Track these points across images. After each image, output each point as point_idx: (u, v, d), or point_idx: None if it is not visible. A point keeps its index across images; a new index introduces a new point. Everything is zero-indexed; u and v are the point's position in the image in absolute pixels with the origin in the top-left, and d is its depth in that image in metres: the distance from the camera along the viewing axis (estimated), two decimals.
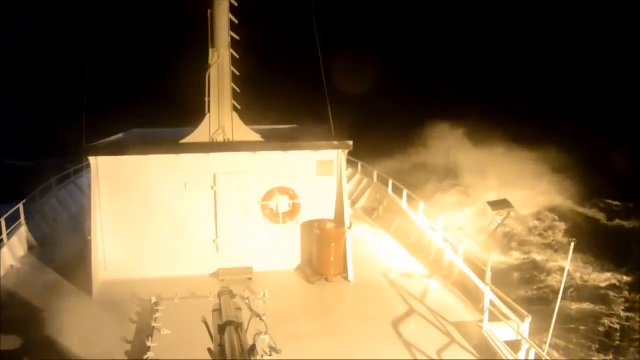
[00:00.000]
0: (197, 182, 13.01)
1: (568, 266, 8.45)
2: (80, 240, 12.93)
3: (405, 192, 16.70)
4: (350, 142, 13.53)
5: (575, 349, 16.00)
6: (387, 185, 18.18)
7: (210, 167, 13.01)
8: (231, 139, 13.43)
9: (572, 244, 8.36)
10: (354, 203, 19.21)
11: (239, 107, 13.51)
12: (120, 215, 12.79)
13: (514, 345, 9.44)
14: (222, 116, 13.32)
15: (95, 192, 12.52)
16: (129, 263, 12.79)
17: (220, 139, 13.39)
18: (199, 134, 13.28)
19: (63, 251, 13.98)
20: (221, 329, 5.25)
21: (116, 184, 12.70)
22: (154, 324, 10.18)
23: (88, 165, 12.76)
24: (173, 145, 12.97)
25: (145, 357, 9.03)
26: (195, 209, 13.07)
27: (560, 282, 8.73)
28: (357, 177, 20.59)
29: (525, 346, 8.85)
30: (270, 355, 9.22)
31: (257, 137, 13.57)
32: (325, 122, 14.20)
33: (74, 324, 10.47)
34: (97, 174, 12.57)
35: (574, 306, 17.90)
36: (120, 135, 16.01)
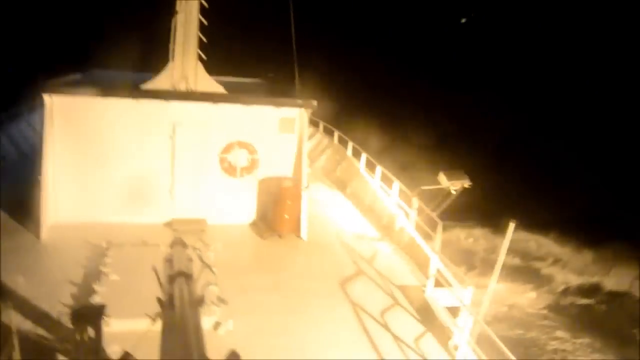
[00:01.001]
0: (156, 130, 12.79)
1: (506, 245, 8.78)
2: (30, 181, 12.61)
3: (363, 155, 16.87)
4: (314, 102, 13.50)
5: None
6: (346, 147, 18.31)
7: (170, 116, 12.79)
8: (194, 89, 13.21)
9: (512, 225, 8.68)
10: (312, 162, 19.29)
11: (204, 57, 13.24)
12: (73, 157, 12.48)
13: (455, 312, 9.85)
14: (185, 65, 13.03)
15: (49, 131, 12.15)
16: (81, 207, 12.58)
17: (182, 88, 13.14)
18: (161, 81, 12.99)
19: (12, 190, 13.64)
20: (171, 279, 5.27)
21: (70, 125, 12.34)
22: (102, 269, 10.13)
23: (42, 103, 12.35)
24: (133, 90, 12.66)
25: (91, 300, 9.00)
26: (152, 156, 12.88)
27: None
28: (318, 136, 20.66)
29: (464, 312, 9.24)
30: (218, 306, 9.41)
31: (220, 89, 13.38)
32: (292, 79, 14.13)
33: (20, 265, 10.32)
34: (50, 113, 12.17)
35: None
36: (77, 75, 15.51)
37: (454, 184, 12.44)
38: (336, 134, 19.51)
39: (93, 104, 12.33)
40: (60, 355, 7.65)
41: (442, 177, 12.56)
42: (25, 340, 7.43)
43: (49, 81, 12.96)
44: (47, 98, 12.10)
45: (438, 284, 10.78)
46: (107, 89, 12.54)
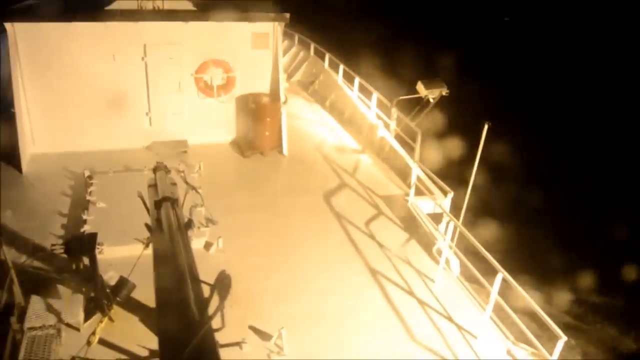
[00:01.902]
0: (126, 53, 12.42)
1: (481, 147, 8.96)
2: (2, 113, 12.34)
3: (341, 66, 16.65)
4: (287, 15, 13.14)
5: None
6: (324, 59, 18.02)
7: (140, 37, 12.39)
8: (161, 7, 12.72)
9: (487, 126, 8.82)
10: (289, 77, 19.05)
11: None
12: (45, 86, 12.16)
13: (437, 218, 10.19)
14: None
15: (15, 62, 11.73)
16: (59, 136, 12.43)
17: (149, 6, 12.65)
18: (127, 0, 12.47)
19: None
20: (157, 205, 5.36)
21: (38, 53, 11.92)
22: (88, 197, 10.19)
23: (4, 31, 11.84)
24: (99, 12, 12.16)
25: (82, 230, 9.14)
26: (125, 80, 12.60)
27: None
28: (294, 49, 20.23)
29: (445, 219, 9.57)
30: (207, 227, 9.61)
31: (189, 6, 12.92)
32: None
33: (5, 199, 10.31)
34: (14, 42, 11.70)
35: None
36: None
37: (432, 93, 12.44)
38: (312, 46, 19.11)
39: (58, 29, 11.84)
40: (59, 284, 7.86)
41: (420, 86, 12.53)
42: (23, 273, 7.59)
43: (9, 7, 12.36)
44: (9, 27, 11.59)
45: (419, 192, 11.06)
46: (72, 13, 12.01)
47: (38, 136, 12.39)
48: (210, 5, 13.48)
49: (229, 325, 7.34)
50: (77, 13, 11.97)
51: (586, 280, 14.81)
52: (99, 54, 12.23)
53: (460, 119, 18.32)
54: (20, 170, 11.56)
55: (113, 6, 12.38)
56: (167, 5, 12.75)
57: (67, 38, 11.94)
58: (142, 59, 12.56)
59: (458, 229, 8.96)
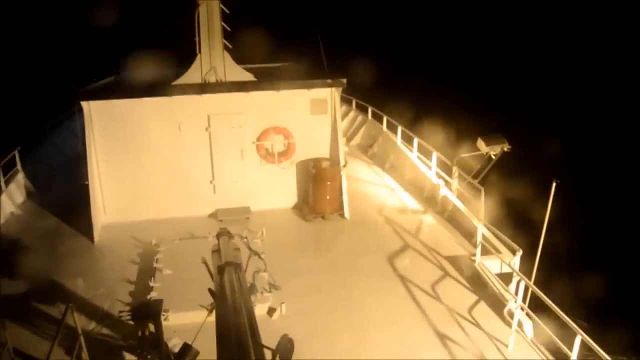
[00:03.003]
0: (191, 124, 12.98)
1: (550, 204, 8.63)
2: (77, 185, 13.03)
3: (399, 128, 16.71)
4: (344, 80, 13.43)
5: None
6: (381, 122, 18.17)
7: (204, 108, 12.95)
8: (223, 79, 13.30)
9: (554, 184, 8.51)
10: (348, 140, 19.25)
11: (229, 46, 13.31)
12: (116, 159, 12.83)
13: (506, 278, 9.75)
14: (213, 56, 13.13)
15: (90, 136, 12.49)
16: (128, 206, 12.94)
17: (212, 79, 13.25)
18: (191, 75, 13.13)
19: (61, 196, 14.12)
20: (220, 270, 5.40)
21: (110, 128, 12.66)
22: (155, 265, 10.44)
23: (80, 109, 12.66)
24: (165, 88, 12.85)
25: (148, 297, 9.30)
26: (190, 150, 13.11)
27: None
28: (352, 114, 20.53)
29: (515, 279, 9.12)
30: (270, 291, 9.58)
31: (249, 77, 13.44)
32: (317, 59, 14.05)
33: (77, 268, 10.73)
34: (90, 119, 12.50)
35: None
36: (111, 78, 15.81)
37: (493, 149, 12.21)
38: (370, 109, 19.35)
39: (129, 105, 12.58)
40: (125, 352, 7.95)
41: (480, 143, 12.33)
42: (91, 340, 7.74)
43: (85, 88, 13.27)
44: (84, 105, 12.43)
45: (486, 251, 10.67)
46: (141, 89, 12.78)
47: (109, 206, 12.94)
48: (268, 73, 14.01)
49: None
50: (146, 90, 12.71)
51: None
52: (165, 126, 12.84)
53: (523, 173, 17.90)
54: (92, 239, 12.04)
55: (179, 81, 13.04)
56: (229, 77, 13.30)
57: (136, 113, 12.64)
58: (206, 129, 13.05)
59: (530, 289, 8.52)
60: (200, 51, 13.07)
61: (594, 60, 49.00)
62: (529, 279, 8.76)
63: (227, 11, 13.06)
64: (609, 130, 32.08)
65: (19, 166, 14.58)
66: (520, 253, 9.52)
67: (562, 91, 39.87)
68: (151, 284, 9.73)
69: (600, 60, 49.04)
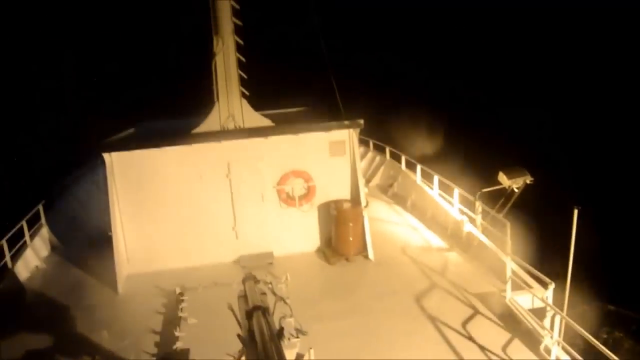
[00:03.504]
0: (212, 171, 13.07)
1: (574, 232, 8.42)
2: (100, 237, 13.10)
3: (418, 166, 16.65)
4: (361, 121, 13.49)
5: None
6: (400, 161, 18.14)
7: (224, 156, 13.06)
8: (242, 126, 13.45)
9: (576, 211, 8.33)
10: (368, 181, 19.20)
11: (247, 93, 13.51)
12: (138, 209, 12.92)
13: (539, 313, 9.45)
14: (231, 103, 13.33)
15: (112, 188, 12.63)
16: (151, 256, 12.95)
17: (231, 126, 13.42)
18: (210, 123, 13.31)
19: (85, 249, 14.18)
20: (249, 314, 5.30)
21: (132, 179, 12.80)
22: (180, 314, 10.33)
23: (102, 162, 12.85)
24: (185, 136, 13.02)
25: (174, 347, 9.17)
26: (211, 198, 13.15)
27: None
28: (370, 154, 20.55)
29: (550, 313, 8.84)
30: (297, 337, 9.37)
31: (267, 122, 13.58)
32: (333, 102, 14.17)
33: (102, 319, 10.66)
34: (112, 170, 12.67)
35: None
36: (131, 130, 16.08)
37: (515, 182, 12.08)
38: (388, 149, 19.38)
39: (150, 155, 12.75)
40: None
41: (502, 177, 12.22)
42: None
43: (106, 140, 13.50)
44: (106, 157, 12.62)
45: (516, 286, 10.38)
46: (161, 139, 12.96)
47: (132, 256, 12.95)
48: (285, 118, 14.14)
49: None
50: (166, 139, 12.88)
51: None
52: (186, 174, 12.94)
53: (545, 203, 17.65)
54: (116, 290, 11.99)
55: (198, 129, 13.20)
56: (247, 124, 13.44)
57: (157, 162, 12.79)
58: (227, 175, 13.12)
59: (564, 322, 8.23)
60: (218, 99, 13.28)
61: (606, 75, 49.08)
62: (562, 311, 8.49)
63: (243, 60, 13.31)
64: (624, 150, 31.80)
65: (43, 220, 14.73)
66: (552, 286, 9.24)
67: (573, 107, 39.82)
68: (177, 333, 9.62)
69: (613, 75, 49.10)
